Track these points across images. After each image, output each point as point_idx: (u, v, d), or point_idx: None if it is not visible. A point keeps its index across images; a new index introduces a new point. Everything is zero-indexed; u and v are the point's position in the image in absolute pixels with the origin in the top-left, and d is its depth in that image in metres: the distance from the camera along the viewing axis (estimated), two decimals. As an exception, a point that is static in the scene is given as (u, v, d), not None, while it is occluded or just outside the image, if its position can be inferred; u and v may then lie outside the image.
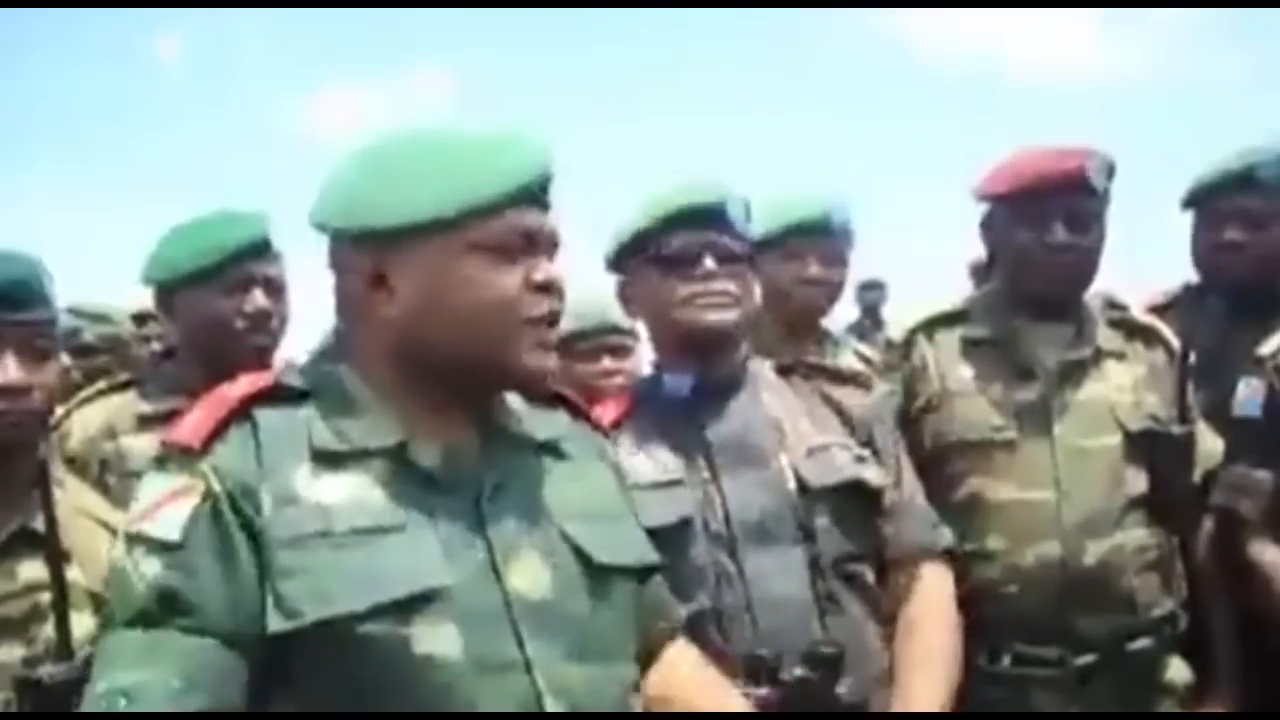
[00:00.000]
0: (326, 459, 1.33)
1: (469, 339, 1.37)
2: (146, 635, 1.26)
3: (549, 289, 1.39)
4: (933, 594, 2.04)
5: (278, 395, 1.38)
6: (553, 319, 1.41)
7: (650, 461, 1.92)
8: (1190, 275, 2.95)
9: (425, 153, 1.39)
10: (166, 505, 1.30)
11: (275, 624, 1.25)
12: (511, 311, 1.37)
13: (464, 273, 1.35)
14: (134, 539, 1.30)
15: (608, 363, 2.69)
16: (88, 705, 1.26)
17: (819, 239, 2.90)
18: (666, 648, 1.63)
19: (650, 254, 1.98)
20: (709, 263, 1.94)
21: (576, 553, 1.42)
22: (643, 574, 1.54)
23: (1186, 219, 2.89)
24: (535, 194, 1.40)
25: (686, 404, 1.98)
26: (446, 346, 1.37)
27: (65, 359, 3.50)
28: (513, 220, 1.37)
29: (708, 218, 1.96)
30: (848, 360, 2.96)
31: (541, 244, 1.41)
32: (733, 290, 1.95)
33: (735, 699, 1.66)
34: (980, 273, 5.23)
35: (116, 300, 4.05)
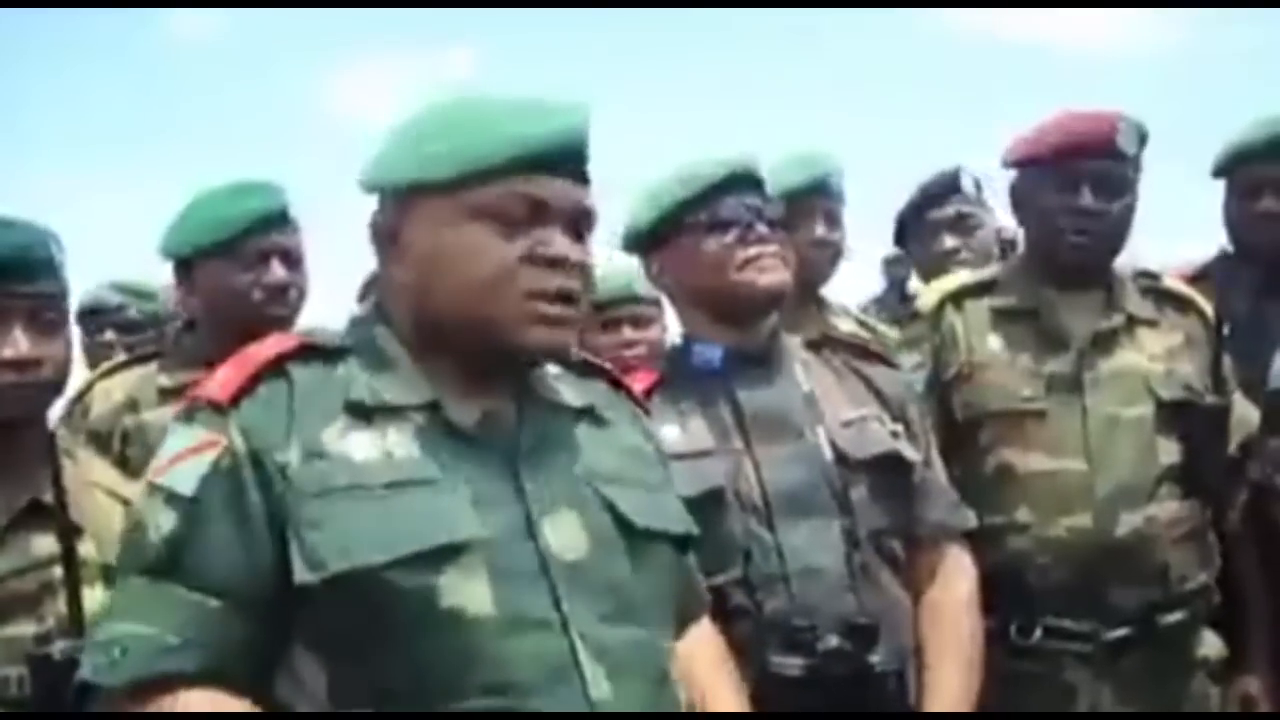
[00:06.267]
0: (360, 414, 1.32)
1: (464, 307, 1.33)
2: (153, 586, 1.27)
3: (558, 264, 1.33)
4: (957, 578, 2.03)
5: (312, 354, 1.37)
6: (562, 294, 1.34)
7: (678, 432, 1.90)
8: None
9: (449, 114, 1.38)
10: (186, 459, 1.30)
11: (301, 575, 1.24)
12: (507, 283, 1.32)
13: (462, 238, 1.33)
14: (153, 489, 1.31)
15: (628, 333, 2.69)
16: (88, 649, 1.28)
17: (821, 200, 2.86)
18: (690, 628, 1.60)
19: (699, 221, 1.95)
20: (762, 228, 1.94)
21: (615, 516, 1.38)
22: (682, 543, 1.50)
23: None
24: (553, 163, 1.34)
25: (717, 375, 1.96)
26: (447, 313, 1.35)
27: (110, 335, 3.55)
28: (518, 187, 1.33)
29: (750, 184, 1.98)
30: (849, 328, 2.92)
31: (556, 216, 1.35)
32: (784, 254, 1.97)
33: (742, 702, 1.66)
34: (1007, 245, 5.18)
35: (160, 275, 4.02)
